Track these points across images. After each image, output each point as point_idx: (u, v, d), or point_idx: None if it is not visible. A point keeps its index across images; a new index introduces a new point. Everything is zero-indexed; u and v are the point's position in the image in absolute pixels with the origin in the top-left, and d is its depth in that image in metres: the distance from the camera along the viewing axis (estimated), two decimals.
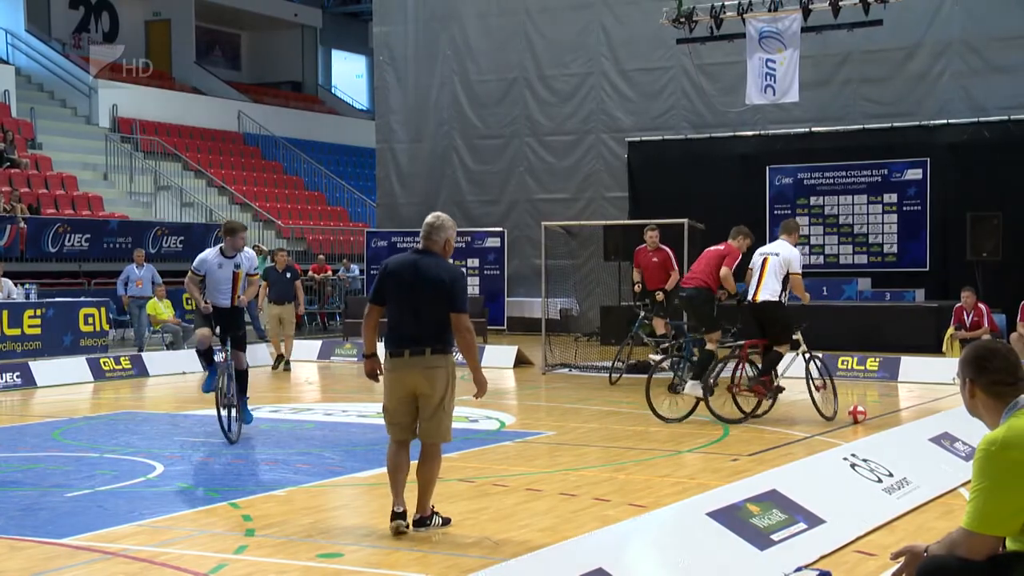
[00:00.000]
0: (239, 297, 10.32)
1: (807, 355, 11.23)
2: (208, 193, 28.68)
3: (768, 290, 11.02)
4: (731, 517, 5.91)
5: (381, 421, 11.82)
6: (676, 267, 14.17)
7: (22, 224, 21.17)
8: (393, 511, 6.61)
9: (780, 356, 11.11)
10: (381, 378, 6.69)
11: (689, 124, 22.75)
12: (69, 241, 21.76)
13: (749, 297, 11.13)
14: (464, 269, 23.71)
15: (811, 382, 11.21)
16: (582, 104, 23.90)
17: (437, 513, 6.76)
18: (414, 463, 6.76)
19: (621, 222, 20.48)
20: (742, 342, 11.22)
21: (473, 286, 23.69)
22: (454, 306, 6.51)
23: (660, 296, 14.11)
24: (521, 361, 17.29)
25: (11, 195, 22.26)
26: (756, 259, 11.24)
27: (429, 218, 6.80)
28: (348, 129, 36.58)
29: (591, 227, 21.59)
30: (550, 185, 24.25)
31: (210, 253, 10.35)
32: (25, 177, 24.14)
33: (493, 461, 9.12)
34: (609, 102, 23.62)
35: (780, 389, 11.18)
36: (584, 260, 23.16)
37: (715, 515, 5.87)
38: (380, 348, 6.75)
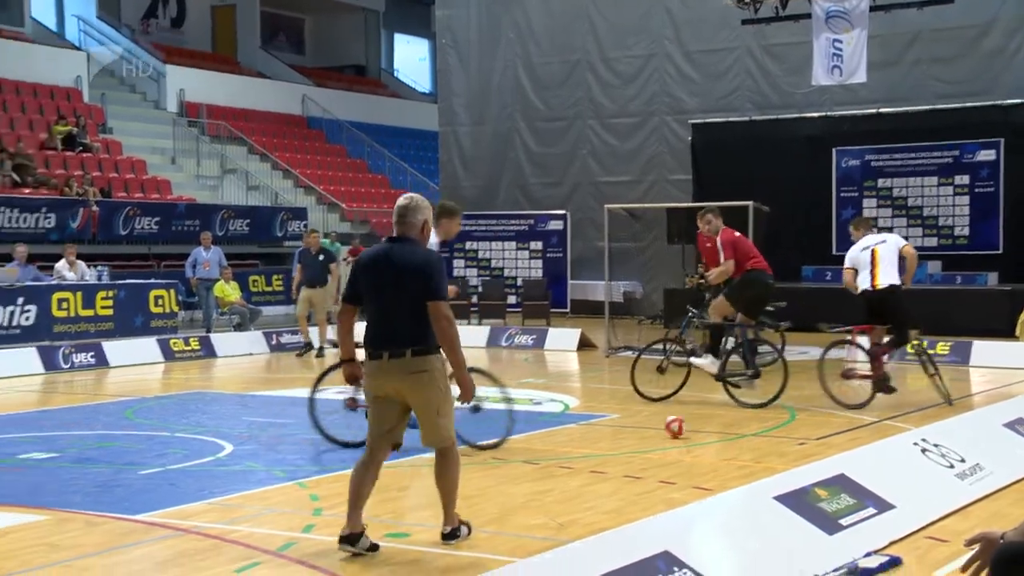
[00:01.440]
0: None
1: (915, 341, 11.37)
2: (273, 176, 28.98)
3: (888, 276, 11.09)
4: (799, 501, 5.85)
5: None
6: (725, 257, 13.96)
7: (94, 207, 21.57)
8: (340, 534, 5.83)
9: (905, 343, 11.18)
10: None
11: (754, 105, 22.50)
12: (139, 224, 22.12)
13: (866, 286, 11.14)
14: (527, 252, 23.70)
15: (925, 367, 11.26)
16: (645, 86, 23.74)
17: (465, 523, 6.10)
18: (432, 466, 6.11)
19: (685, 204, 20.33)
20: (850, 327, 11.18)
21: (536, 269, 23.69)
22: (428, 293, 5.71)
23: (693, 282, 14.05)
24: (584, 344, 17.27)
25: (83, 179, 22.69)
26: (861, 254, 11.26)
27: (401, 200, 6.00)
28: (411, 112, 36.73)
29: (654, 210, 21.48)
30: (613, 167, 24.15)
31: (433, 238, 8.32)
32: (97, 161, 24.59)
33: (557, 443, 9.12)
34: (673, 84, 23.43)
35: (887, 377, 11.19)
36: (648, 243, 23.05)
37: (783, 499, 5.83)
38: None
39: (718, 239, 11.45)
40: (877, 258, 11.15)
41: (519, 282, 23.18)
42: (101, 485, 7.56)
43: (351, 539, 5.80)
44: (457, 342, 5.75)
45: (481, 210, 24.33)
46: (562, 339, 17.47)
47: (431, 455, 8.59)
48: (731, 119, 22.34)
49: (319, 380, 9.16)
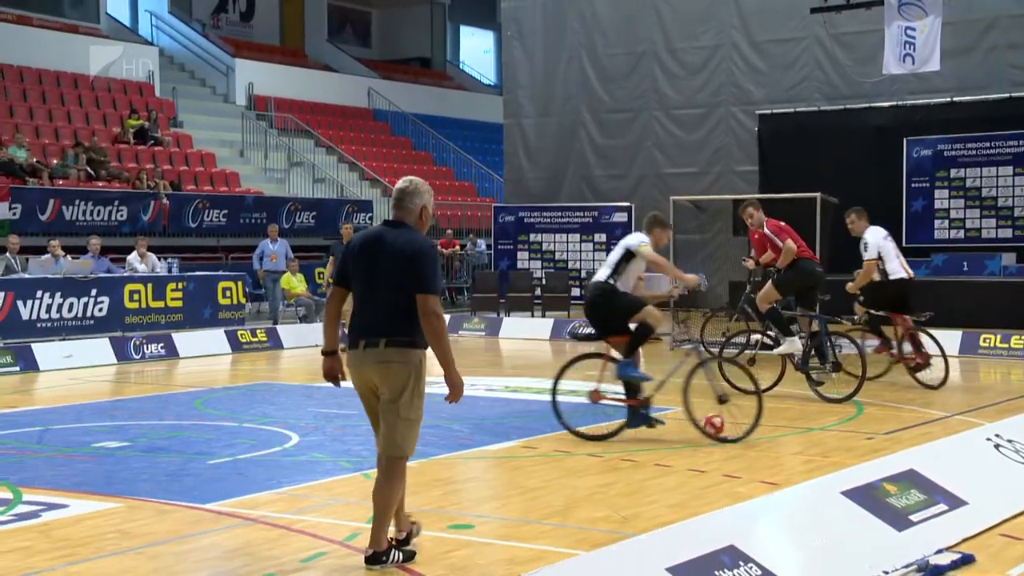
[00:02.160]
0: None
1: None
2: (339, 169, 29.22)
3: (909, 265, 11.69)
4: (867, 496, 5.77)
5: (510, 395, 11.88)
6: (781, 241, 13.82)
7: (165, 200, 21.93)
8: (397, 537, 5.61)
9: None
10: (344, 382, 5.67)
11: (822, 96, 22.17)
12: (208, 216, 22.44)
13: (903, 275, 11.55)
14: (591, 244, 23.61)
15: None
16: (712, 77, 23.52)
17: (396, 547, 5.56)
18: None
19: (751, 196, 20.10)
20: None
21: (600, 261, 23.55)
22: (416, 285, 5.34)
23: (750, 263, 14.08)
24: None
25: (154, 172, 23.09)
26: (886, 242, 11.67)
27: (401, 183, 5.64)
28: (476, 104, 36.80)
29: (720, 201, 21.28)
30: (679, 159, 23.97)
31: (645, 239, 9.20)
32: (168, 154, 24.99)
33: (621, 436, 9.07)
34: (740, 74, 23.18)
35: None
36: (713, 235, 22.84)
37: (850, 494, 5.75)
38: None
39: (765, 229, 11.51)
40: (894, 248, 11.70)
41: (583, 274, 23.11)
42: (171, 474, 7.70)
43: (402, 543, 5.63)
44: (445, 337, 5.37)
45: (545, 202, 24.30)
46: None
47: (495, 446, 8.70)
48: (799, 109, 22.02)
49: (561, 373, 9.13)
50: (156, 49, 29.26)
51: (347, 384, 5.74)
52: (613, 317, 9.01)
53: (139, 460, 8.25)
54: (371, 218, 25.46)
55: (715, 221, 22.39)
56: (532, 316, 20.71)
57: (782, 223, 11.50)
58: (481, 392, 11.83)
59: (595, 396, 9.06)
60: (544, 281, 22.51)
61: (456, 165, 33.07)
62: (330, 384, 5.70)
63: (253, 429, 9.55)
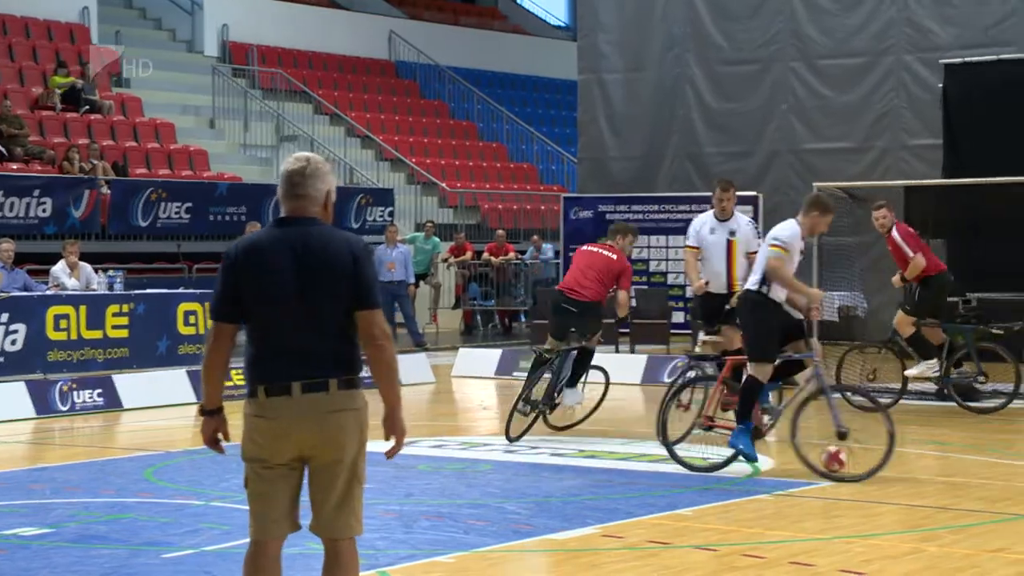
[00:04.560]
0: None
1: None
2: (348, 145, 29.40)
3: None
4: None
5: (585, 461, 11.88)
6: (911, 251, 14.44)
7: (104, 189, 22.15)
8: None
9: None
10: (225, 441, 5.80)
11: None
12: (164, 212, 22.61)
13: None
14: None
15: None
16: (875, 12, 23.43)
17: None
18: None
19: (932, 181, 19.97)
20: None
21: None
22: (364, 299, 5.47)
23: (897, 281, 14.97)
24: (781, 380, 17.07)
25: (89, 149, 23.24)
26: None
27: (294, 163, 5.64)
28: (539, 54, 36.88)
29: (887, 189, 21.14)
30: (826, 130, 23.89)
31: (795, 228, 10.72)
32: (108, 125, 25.25)
33: (743, 521, 9.09)
34: (916, 7, 23.09)
35: None
36: (875, 237, 22.64)
37: None
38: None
39: (894, 234, 13.22)
40: None
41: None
42: (111, 572, 7.77)
43: None
44: (397, 368, 5.55)
45: (636, 191, 24.31)
46: None
47: (564, 534, 8.68)
48: (1004, 56, 21.86)
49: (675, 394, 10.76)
50: None
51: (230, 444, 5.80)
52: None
53: (66, 553, 8.33)
54: (391, 213, 25.60)
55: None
56: (616, 351, 20.67)
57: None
58: (545, 458, 11.83)
59: (706, 421, 10.88)
60: (634, 302, 22.47)
61: (512, 140, 33.16)
62: (214, 452, 5.83)
63: (225, 509, 9.60)
